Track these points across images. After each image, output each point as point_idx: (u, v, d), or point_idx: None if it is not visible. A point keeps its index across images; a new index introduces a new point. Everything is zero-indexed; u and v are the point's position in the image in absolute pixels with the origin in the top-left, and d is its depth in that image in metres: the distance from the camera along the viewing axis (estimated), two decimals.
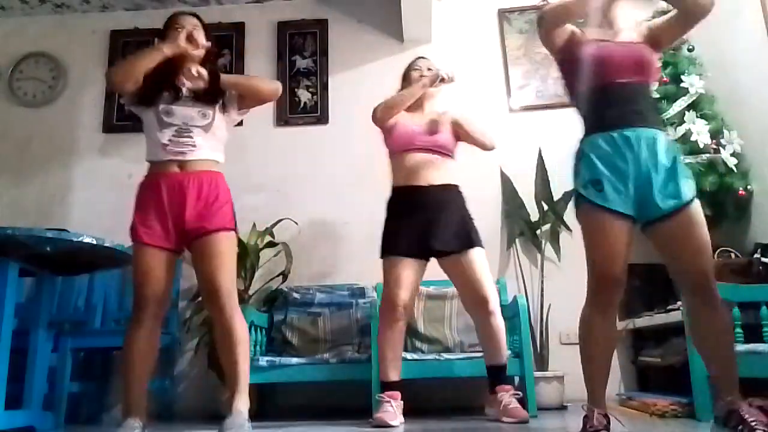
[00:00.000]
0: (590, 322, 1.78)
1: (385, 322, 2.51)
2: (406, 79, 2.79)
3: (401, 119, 2.68)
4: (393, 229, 2.58)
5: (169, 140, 2.09)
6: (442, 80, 2.59)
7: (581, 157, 1.84)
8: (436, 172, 2.59)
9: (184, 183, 2.06)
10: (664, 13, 3.30)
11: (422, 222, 2.52)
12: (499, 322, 2.50)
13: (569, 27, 1.92)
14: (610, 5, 1.92)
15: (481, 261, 2.53)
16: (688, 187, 1.73)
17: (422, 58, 2.85)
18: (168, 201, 2.05)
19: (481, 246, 2.55)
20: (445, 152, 2.64)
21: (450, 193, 2.61)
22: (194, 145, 2.10)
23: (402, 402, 2.49)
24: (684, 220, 1.70)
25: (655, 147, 1.74)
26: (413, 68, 2.79)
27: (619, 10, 1.93)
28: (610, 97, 1.81)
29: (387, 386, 2.50)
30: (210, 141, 2.14)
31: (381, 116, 2.64)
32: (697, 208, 1.73)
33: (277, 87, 2.32)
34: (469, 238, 2.53)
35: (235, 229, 2.13)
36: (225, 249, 2.05)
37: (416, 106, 2.73)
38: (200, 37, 2.19)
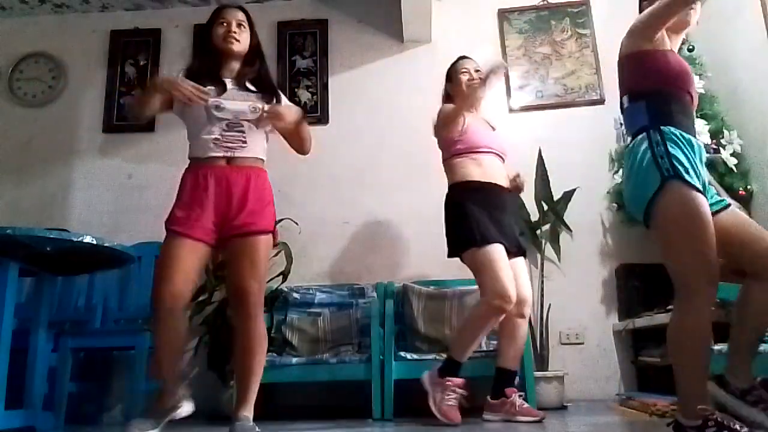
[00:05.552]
0: (695, 328, 1.58)
1: (492, 312, 2.36)
2: (452, 81, 2.75)
3: (472, 121, 2.65)
4: (481, 217, 2.44)
5: (221, 135, 2.06)
6: (488, 78, 2.50)
7: (671, 141, 1.68)
8: (502, 176, 2.62)
9: (231, 178, 2.03)
10: None
11: (499, 218, 2.51)
12: (526, 328, 2.55)
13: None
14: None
15: (525, 267, 2.62)
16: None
17: (466, 58, 2.81)
18: (214, 194, 2.01)
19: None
20: (504, 156, 2.69)
21: (513, 197, 2.70)
22: (245, 141, 2.07)
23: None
24: (734, 211, 1.79)
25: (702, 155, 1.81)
26: (461, 71, 2.73)
27: None
28: (686, 104, 1.82)
29: (457, 367, 2.43)
30: (258, 138, 2.12)
31: (446, 134, 2.58)
32: None
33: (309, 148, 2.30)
34: (521, 244, 2.60)
35: (274, 231, 2.07)
36: (263, 254, 2.00)
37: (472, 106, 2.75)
38: (243, 35, 2.18)
